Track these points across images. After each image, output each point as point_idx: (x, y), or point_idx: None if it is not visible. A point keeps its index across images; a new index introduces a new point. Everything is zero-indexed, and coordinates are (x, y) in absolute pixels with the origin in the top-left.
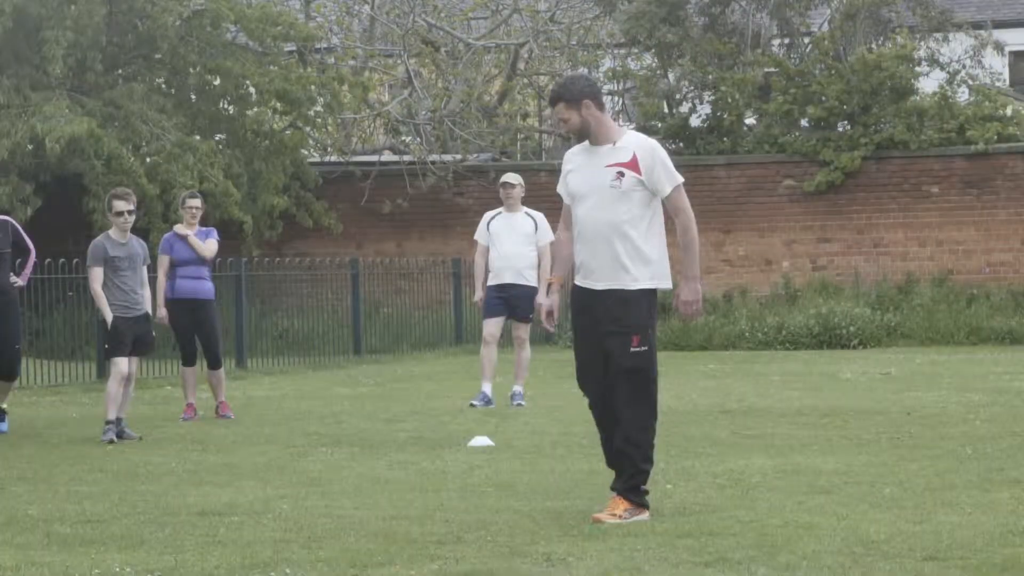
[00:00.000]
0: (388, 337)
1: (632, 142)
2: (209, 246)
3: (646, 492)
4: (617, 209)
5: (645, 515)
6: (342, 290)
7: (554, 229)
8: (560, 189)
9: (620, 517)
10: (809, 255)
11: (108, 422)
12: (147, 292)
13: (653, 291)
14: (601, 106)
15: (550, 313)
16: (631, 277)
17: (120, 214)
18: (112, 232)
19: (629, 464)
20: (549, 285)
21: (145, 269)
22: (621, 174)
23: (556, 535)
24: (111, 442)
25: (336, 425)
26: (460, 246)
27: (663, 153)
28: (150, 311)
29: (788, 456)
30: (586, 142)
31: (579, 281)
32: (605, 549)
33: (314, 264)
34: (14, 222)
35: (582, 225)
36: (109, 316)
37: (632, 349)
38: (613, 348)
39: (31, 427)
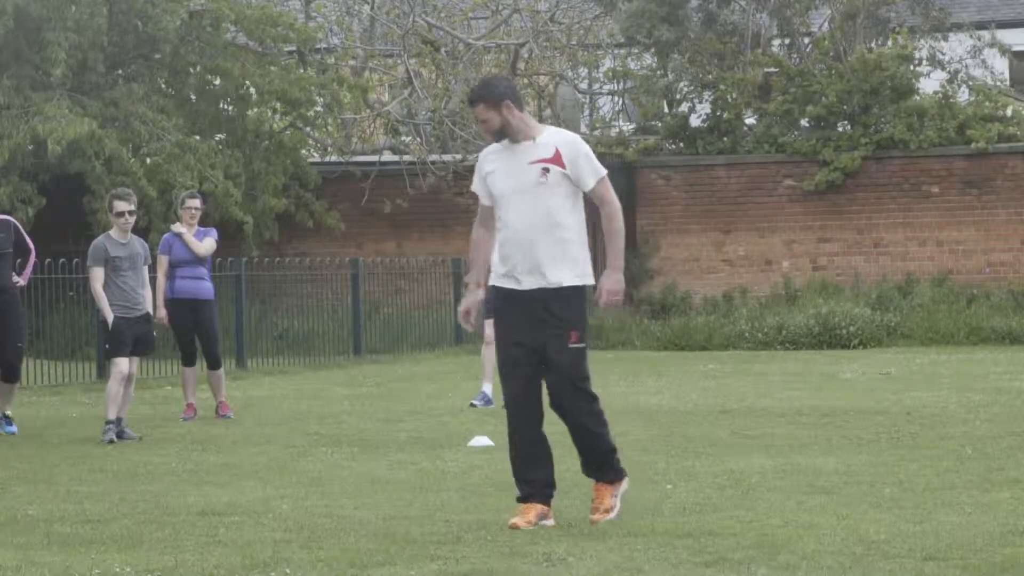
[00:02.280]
0: (388, 337)
1: (553, 138)
2: (206, 244)
3: (619, 461)
4: (547, 205)
5: (626, 483)
6: (342, 290)
7: None
8: (476, 188)
9: (611, 509)
10: (809, 255)
11: (108, 422)
12: (148, 292)
13: (583, 288)
14: (520, 106)
15: (468, 312)
16: (561, 274)
17: (120, 214)
18: (113, 232)
19: (596, 448)
20: (466, 286)
21: (146, 269)
22: (547, 170)
23: (556, 535)
24: (111, 442)
25: (336, 425)
26: (460, 246)
27: (585, 146)
28: (151, 311)
29: (788, 456)
30: (504, 141)
31: (500, 282)
32: (605, 549)
33: (314, 264)
34: (16, 222)
35: (512, 226)
36: (110, 316)
37: (571, 345)
38: (551, 346)
39: (31, 427)
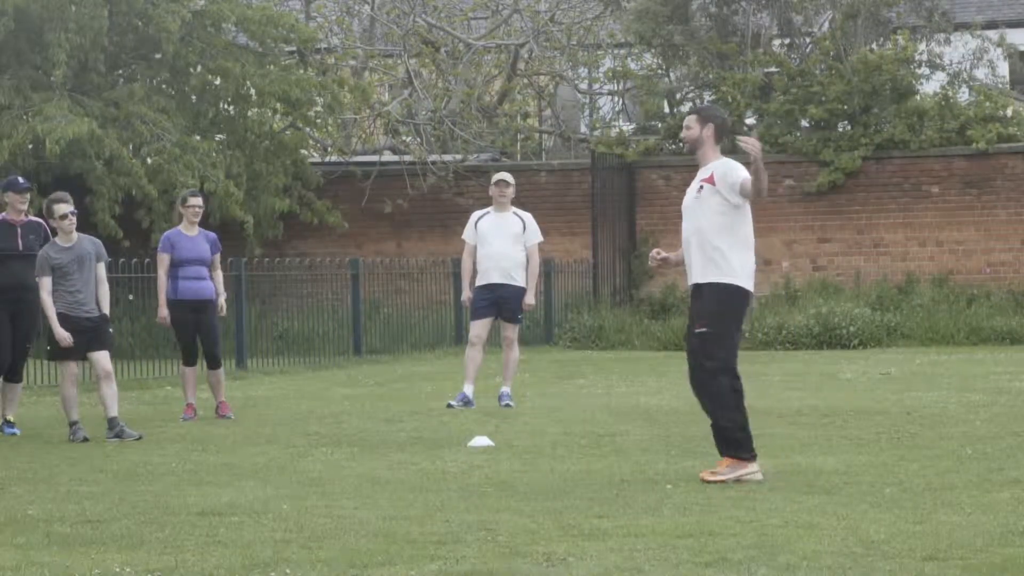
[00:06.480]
0: (388, 337)
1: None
2: (220, 280)
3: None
4: None
5: None
6: (342, 290)
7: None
8: None
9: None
10: (809, 255)
11: (72, 423)
12: (105, 289)
13: None
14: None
15: None
16: None
17: (64, 216)
18: (58, 239)
19: None
20: None
21: (102, 266)
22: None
23: (556, 535)
24: (84, 440)
25: (336, 425)
26: (460, 246)
27: None
28: (106, 310)
29: (788, 456)
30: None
31: None
32: (605, 549)
33: (314, 264)
34: (46, 226)
35: None
36: (56, 327)
37: None
38: None
39: (31, 427)
